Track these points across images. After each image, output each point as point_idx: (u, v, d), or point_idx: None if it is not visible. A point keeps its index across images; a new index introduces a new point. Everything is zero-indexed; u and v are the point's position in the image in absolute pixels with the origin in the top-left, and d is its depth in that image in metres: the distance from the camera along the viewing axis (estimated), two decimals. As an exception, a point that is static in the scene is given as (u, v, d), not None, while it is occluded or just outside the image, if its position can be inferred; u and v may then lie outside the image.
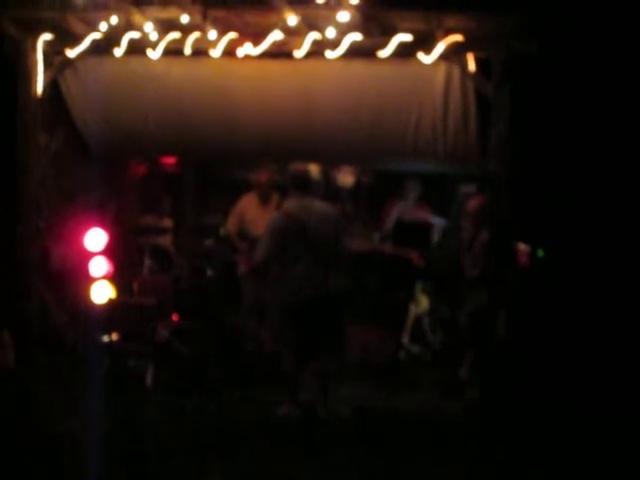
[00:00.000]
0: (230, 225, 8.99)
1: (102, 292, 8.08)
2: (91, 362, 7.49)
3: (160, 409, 7.07)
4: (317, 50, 7.03)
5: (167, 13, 7.12)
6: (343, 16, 6.73)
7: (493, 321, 7.03)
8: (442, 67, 7.05)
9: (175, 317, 8.46)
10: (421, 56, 6.92)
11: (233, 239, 8.98)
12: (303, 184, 6.92)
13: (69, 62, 7.68)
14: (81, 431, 6.36)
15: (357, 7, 6.69)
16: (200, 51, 7.27)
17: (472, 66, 6.97)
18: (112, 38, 7.32)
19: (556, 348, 7.33)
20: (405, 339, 8.87)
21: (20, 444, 6.04)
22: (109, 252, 8.24)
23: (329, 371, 7.05)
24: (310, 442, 6.50)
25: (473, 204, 8.25)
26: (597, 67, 7.60)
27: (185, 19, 7.04)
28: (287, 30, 6.94)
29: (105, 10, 7.22)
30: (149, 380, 7.54)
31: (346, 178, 9.87)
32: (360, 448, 6.35)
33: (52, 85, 7.81)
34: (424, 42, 6.89)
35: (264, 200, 8.84)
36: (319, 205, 6.93)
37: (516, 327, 7.00)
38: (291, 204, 6.92)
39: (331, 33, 6.85)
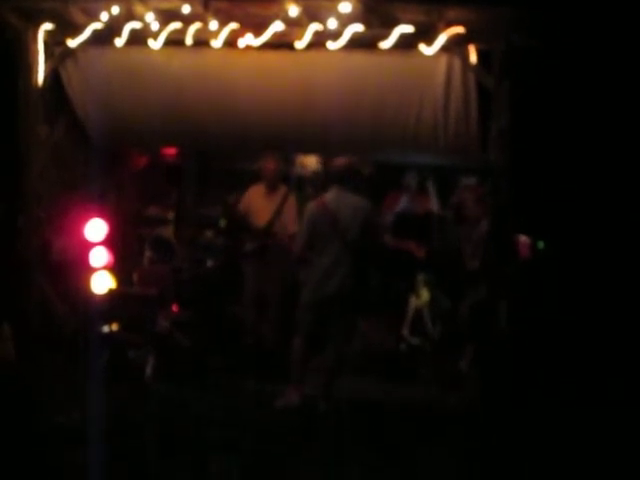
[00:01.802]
0: (239, 207, 8.87)
1: (102, 282, 8.09)
2: (91, 353, 7.50)
3: (160, 400, 7.08)
4: (318, 41, 7.01)
5: (168, 3, 7.10)
6: (344, 7, 6.72)
7: (493, 313, 7.03)
8: (443, 59, 7.03)
9: (175, 308, 8.48)
10: (422, 48, 6.90)
11: (236, 216, 8.87)
12: (341, 178, 7.12)
13: (70, 52, 7.66)
14: (82, 422, 6.38)
15: (358, -2, 6.69)
16: (201, 41, 7.25)
17: (473, 58, 6.96)
18: (113, 28, 7.30)
19: (557, 340, 7.33)
20: (405, 331, 8.88)
21: (21, 437, 6.05)
22: (109, 242, 8.24)
23: (336, 366, 7.10)
24: (309, 434, 6.52)
25: (473, 196, 8.26)
26: (598, 58, 7.59)
27: (186, 9, 7.02)
28: (288, 21, 6.92)
29: (106, 0, 7.21)
30: (149, 370, 7.56)
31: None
32: (359, 439, 6.37)
33: (53, 75, 7.80)
34: (425, 34, 6.88)
35: (271, 189, 8.69)
36: (354, 199, 7.06)
37: (516, 319, 7.00)
38: (328, 196, 7.13)
39: (332, 24, 6.83)
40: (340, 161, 7.23)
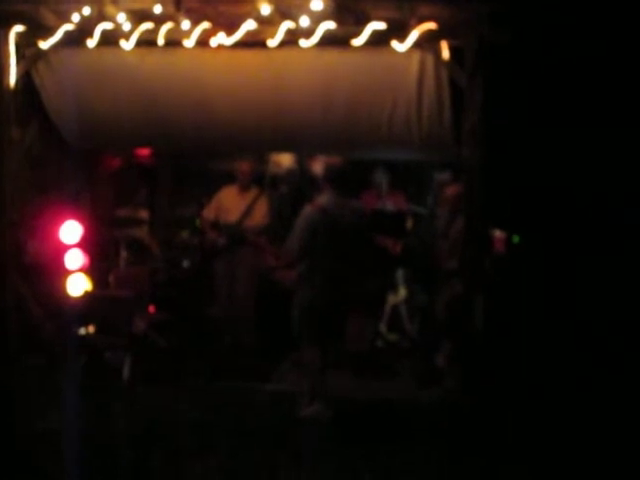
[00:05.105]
0: (206, 212, 9.05)
1: (78, 285, 8.05)
2: (68, 355, 7.47)
3: (138, 401, 7.07)
4: (291, 39, 6.99)
5: (140, 3, 7.06)
6: (316, 5, 6.71)
7: (469, 308, 7.05)
8: (416, 55, 7.03)
9: (152, 309, 8.46)
10: (395, 44, 6.90)
11: (204, 226, 9.07)
12: (336, 179, 7.12)
13: (42, 54, 7.60)
14: (59, 425, 6.36)
15: (330, -5, 6.69)
16: (173, 41, 7.22)
17: (446, 54, 6.98)
18: (85, 29, 7.25)
19: (533, 334, 7.37)
20: (383, 327, 8.90)
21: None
22: (84, 244, 8.21)
23: (322, 365, 7.10)
24: (290, 432, 6.53)
25: (450, 191, 8.28)
26: (572, 54, 7.63)
27: (158, 9, 6.99)
28: (260, 19, 6.90)
29: (77, 1, 7.16)
30: (126, 373, 7.54)
31: (321, 167, 9.87)
32: (337, 436, 6.39)
33: (25, 77, 7.74)
34: (398, 30, 6.87)
35: (243, 189, 8.95)
36: (348, 201, 7.13)
37: (493, 314, 7.03)
38: (324, 199, 7.09)
39: (305, 22, 6.82)
40: (333, 161, 7.21)
